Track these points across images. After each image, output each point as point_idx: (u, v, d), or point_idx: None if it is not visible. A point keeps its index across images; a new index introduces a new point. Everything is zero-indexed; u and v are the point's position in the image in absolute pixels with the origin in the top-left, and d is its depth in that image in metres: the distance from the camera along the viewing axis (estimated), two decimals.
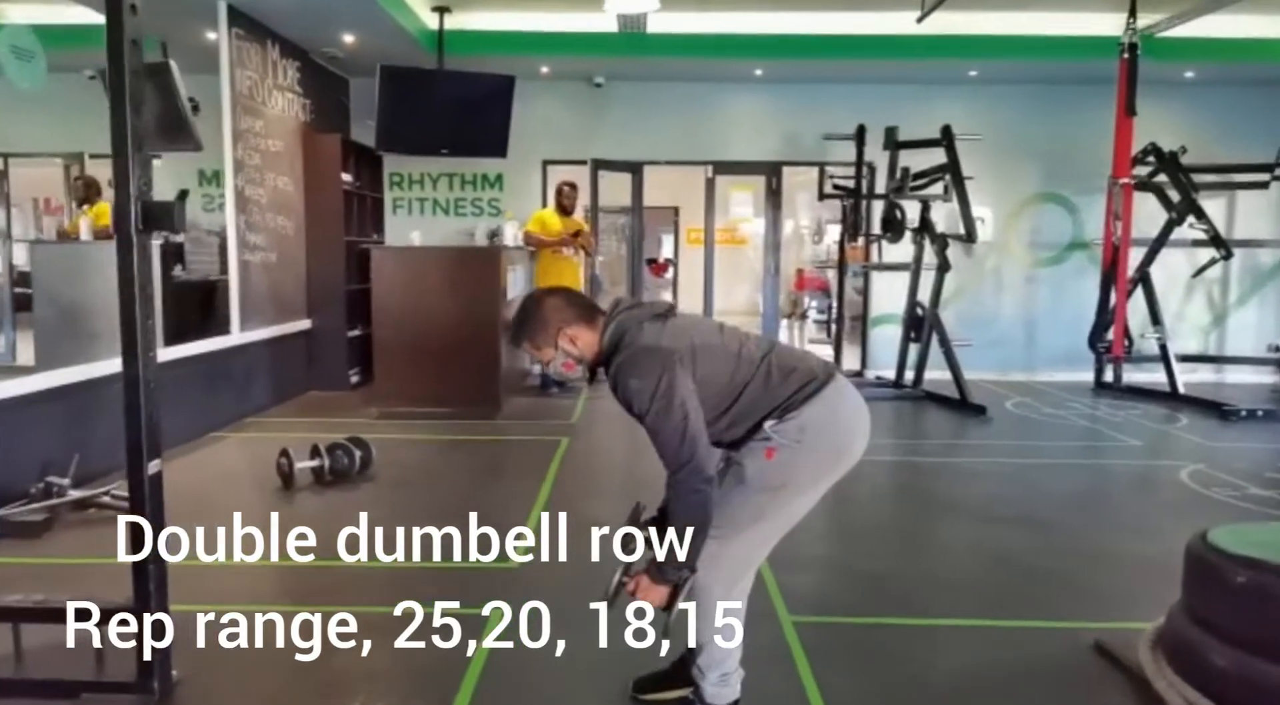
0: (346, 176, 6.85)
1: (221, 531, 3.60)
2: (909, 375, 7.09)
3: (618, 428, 5.79)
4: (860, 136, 6.72)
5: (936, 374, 6.82)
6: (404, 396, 5.99)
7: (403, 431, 5.49)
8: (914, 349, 7.04)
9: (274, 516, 3.86)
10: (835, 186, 7.15)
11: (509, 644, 2.59)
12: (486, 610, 2.80)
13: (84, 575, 3.10)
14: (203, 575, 3.14)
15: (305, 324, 6.69)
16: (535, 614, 2.78)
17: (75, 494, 3.67)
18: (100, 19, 5.76)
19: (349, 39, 6.38)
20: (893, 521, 3.97)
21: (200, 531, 3.59)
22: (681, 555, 1.93)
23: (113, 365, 4.60)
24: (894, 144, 6.99)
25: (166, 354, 5.07)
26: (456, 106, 6.70)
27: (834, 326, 6.92)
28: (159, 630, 2.23)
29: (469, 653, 2.52)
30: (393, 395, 6.04)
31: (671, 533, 1.92)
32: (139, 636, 2.22)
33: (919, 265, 7.00)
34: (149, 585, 2.20)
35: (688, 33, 6.81)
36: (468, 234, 7.65)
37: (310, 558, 3.29)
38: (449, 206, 7.88)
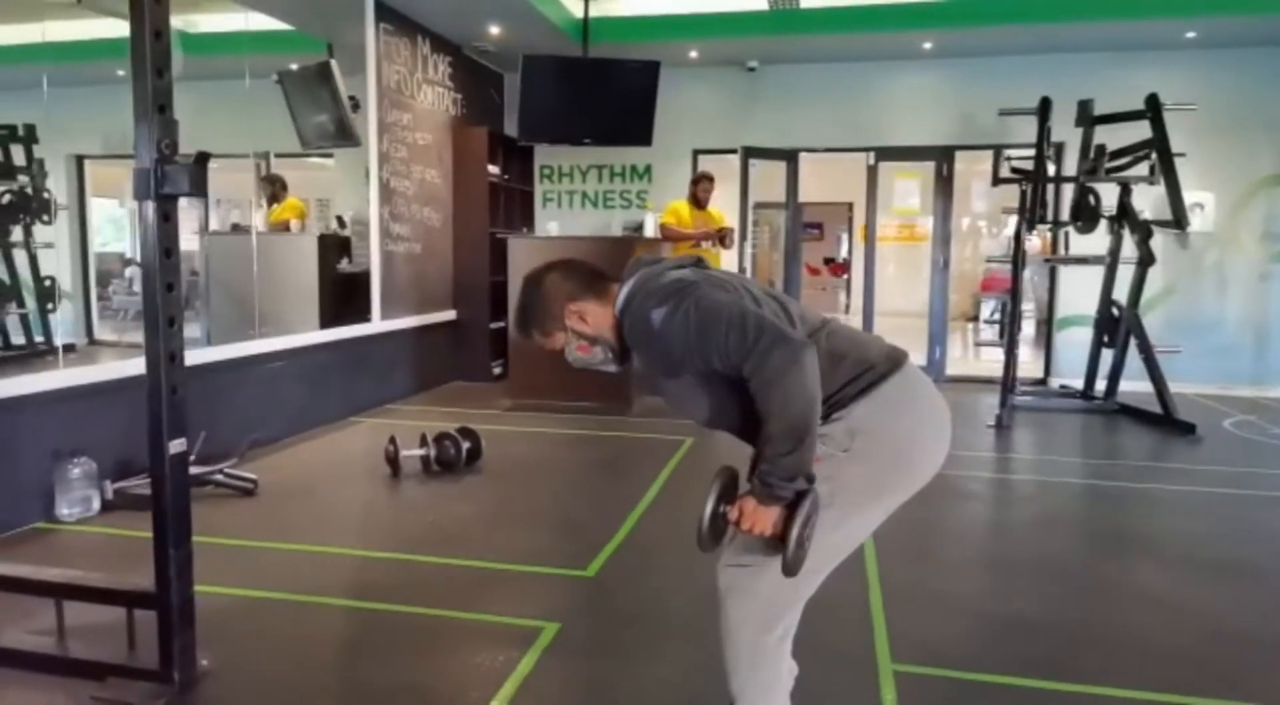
0: (493, 169, 6.87)
1: (311, 517, 3.59)
2: (1100, 385, 6.16)
3: None
4: (1043, 111, 5.89)
5: (1135, 385, 5.87)
6: (536, 389, 5.90)
7: (528, 424, 5.37)
8: (1108, 355, 6.11)
9: (369, 505, 3.82)
10: (1013, 170, 6.33)
11: (553, 663, 2.30)
12: (543, 622, 2.53)
13: None
14: (278, 560, 3.09)
15: (450, 315, 6.76)
16: (592, 632, 2.48)
17: (194, 470, 3.76)
18: (280, 25, 5.97)
19: (495, 31, 6.37)
20: (1057, 556, 3.30)
21: (292, 515, 3.59)
22: (787, 460, 1.43)
23: (243, 347, 4.88)
24: (1088, 119, 6.08)
25: (311, 338, 5.23)
26: (599, 94, 6.53)
27: (1009, 328, 6.11)
28: (181, 618, 2.13)
29: (510, 668, 2.25)
30: (526, 388, 5.96)
31: (771, 431, 1.44)
32: (161, 624, 2.12)
33: (1115, 259, 6.06)
34: (169, 571, 2.10)
35: (846, 5, 6.28)
36: (623, 227, 7.49)
37: (387, 550, 3.18)
38: (597, 199, 7.75)
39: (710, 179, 6.65)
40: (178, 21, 7.35)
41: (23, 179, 7.60)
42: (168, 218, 2.03)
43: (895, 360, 1.61)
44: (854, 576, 2.94)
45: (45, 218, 7.79)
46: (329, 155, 7.41)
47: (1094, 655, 2.43)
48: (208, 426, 4.13)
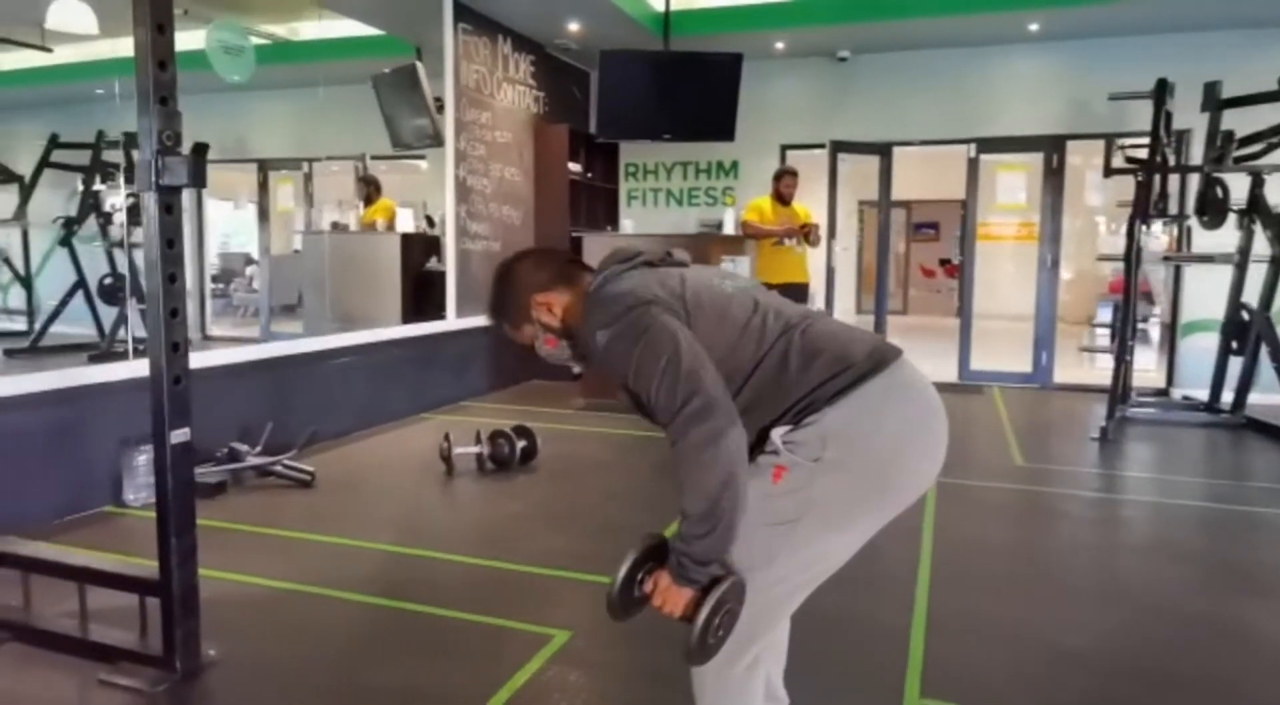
0: (575, 167, 6.85)
1: (358, 511, 3.62)
2: (1228, 397, 5.57)
3: None
4: (1160, 94, 5.36)
5: (1267, 397, 5.28)
6: (609, 389, 5.83)
7: (595, 424, 5.29)
8: (1237, 364, 5.52)
9: (415, 502, 3.82)
10: (1127, 159, 5.80)
11: (553, 673, 2.19)
12: (554, 630, 2.43)
13: (227, 540, 3.20)
14: (315, 552, 3.11)
15: None
16: (600, 644, 2.36)
17: (252, 460, 3.87)
18: (373, 30, 6.07)
19: (575, 28, 6.34)
20: (1146, 587, 2.94)
21: (340, 509, 3.63)
22: (700, 544, 1.32)
23: (322, 341, 5.02)
24: (1215, 103, 5.50)
25: (384, 334, 5.33)
26: (679, 89, 6.40)
27: (1120, 332, 5.60)
28: (184, 607, 2.14)
29: (506, 676, 2.17)
30: (598, 387, 5.90)
31: (685, 508, 1.33)
32: (164, 613, 2.14)
33: (1246, 257, 5.47)
34: (171, 561, 2.11)
35: None
36: (699, 224, 7.34)
37: (420, 548, 3.15)
38: (682, 197, 7.62)
39: (794, 174, 6.40)
40: (281, 30, 7.61)
41: None
42: (170, 209, 2.04)
43: (880, 359, 1.42)
44: (896, 598, 2.71)
45: None
46: (422, 156, 7.60)
47: (1176, 700, 2.13)
48: (282, 418, 4.25)
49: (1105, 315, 8.34)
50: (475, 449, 4.12)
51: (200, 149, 2.02)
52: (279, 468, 3.88)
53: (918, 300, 14.26)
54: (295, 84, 8.36)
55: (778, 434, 1.40)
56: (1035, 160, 6.89)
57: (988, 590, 2.84)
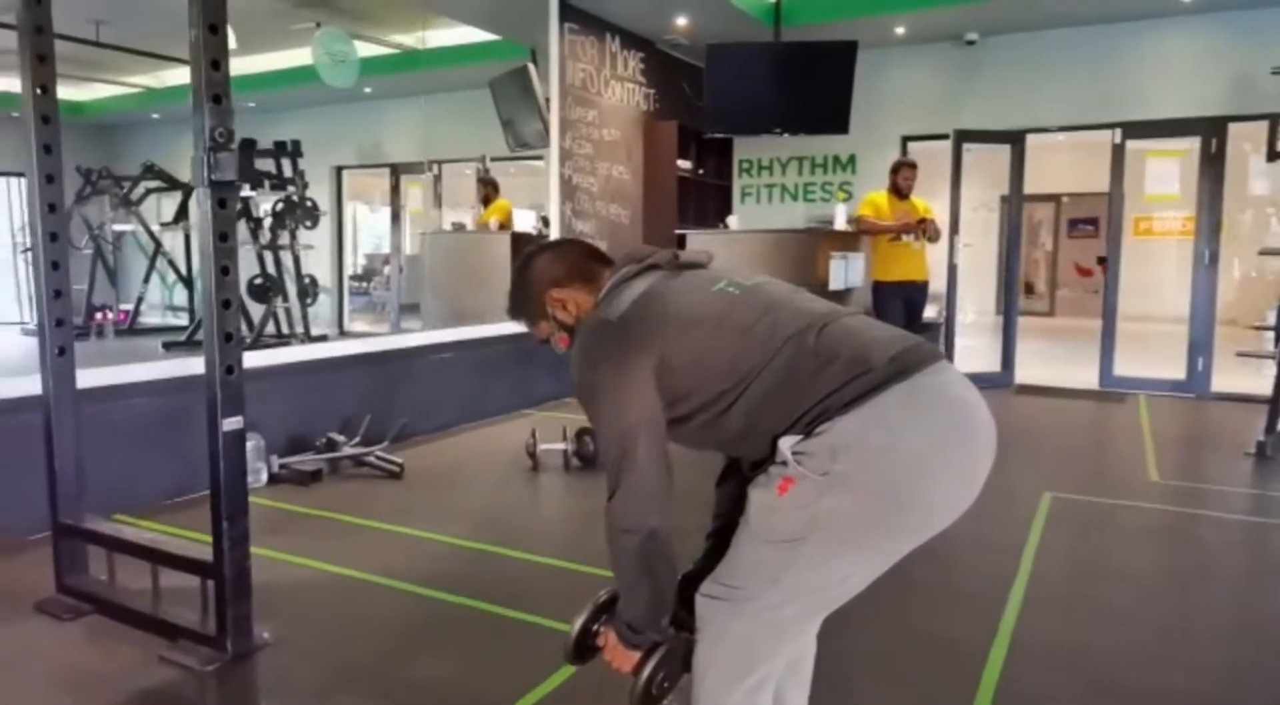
0: (684, 164, 6.76)
1: (438, 503, 3.67)
2: None
3: None
4: None
5: None
6: None
7: None
8: None
9: (496, 496, 3.84)
10: None
11: (586, 677, 2.12)
12: None
13: (311, 526, 3.31)
14: (388, 542, 3.17)
15: None
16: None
17: (347, 451, 4.01)
18: (489, 36, 6.21)
19: (683, 22, 6.25)
20: (1274, 622, 2.58)
21: (421, 501, 3.69)
22: (630, 614, 1.38)
23: (425, 337, 5.15)
24: None
25: (485, 331, 5.43)
26: (789, 81, 6.19)
27: None
28: (235, 591, 2.21)
29: (543, 676, 2.11)
30: None
31: (616, 578, 1.38)
32: (216, 595, 2.22)
33: None
34: (223, 545, 2.18)
35: None
36: (814, 221, 7.09)
37: (489, 543, 3.15)
38: (797, 192, 7.39)
39: (912, 166, 6.07)
40: (410, 39, 7.89)
41: (291, 189, 8.61)
42: (223, 204, 2.11)
43: (906, 363, 1.26)
44: (981, 616, 2.47)
45: (309, 223, 8.79)
46: (539, 157, 7.74)
47: None
48: (385, 411, 4.40)
49: (1273, 317, 7.46)
50: (561, 446, 4.11)
51: (247, 145, 2.07)
52: (371, 459, 4.01)
53: (1067, 301, 13.28)
54: (425, 90, 8.73)
55: (786, 444, 1.26)
56: (1190, 145, 6.23)
57: (1086, 618, 2.54)
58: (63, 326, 2.52)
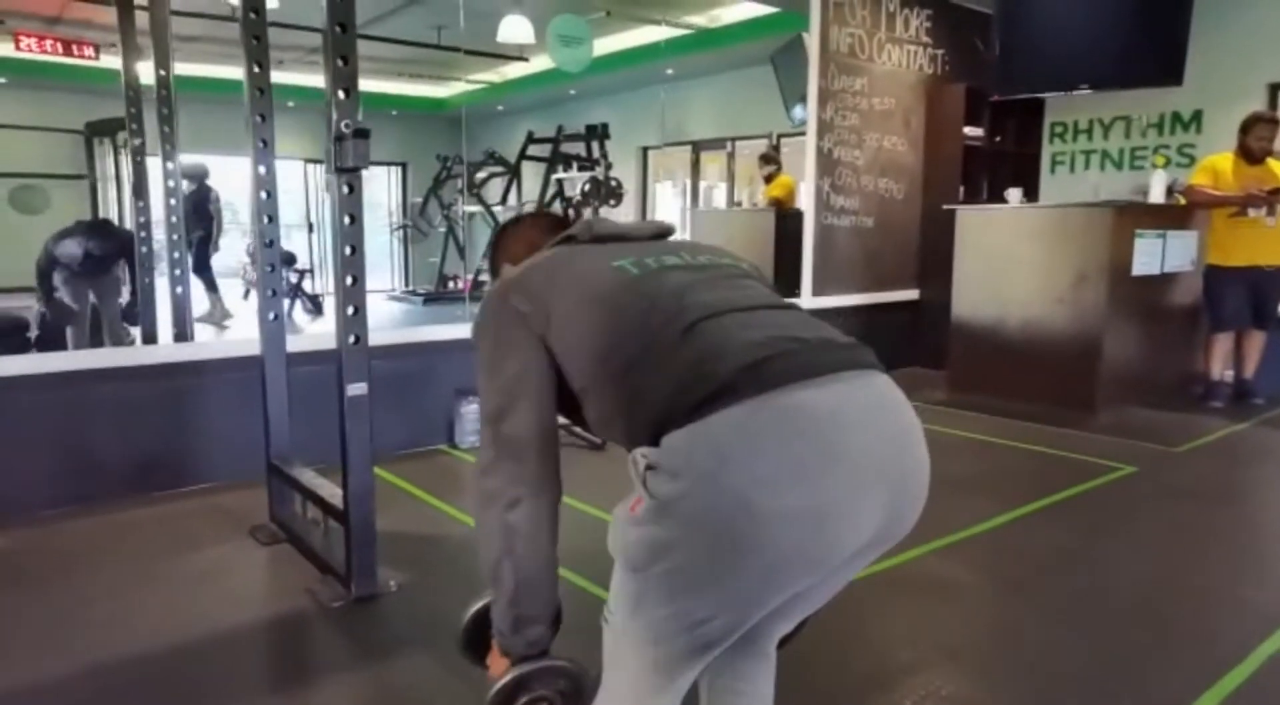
0: (974, 131, 6.04)
1: (610, 483, 3.70)
2: None
3: (1247, 480, 3.86)
4: None
5: None
6: (978, 382, 5.13)
7: (958, 424, 4.64)
8: None
9: None
10: None
11: None
12: None
13: None
14: (565, 517, 3.26)
15: (911, 294, 6.22)
16: None
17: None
18: (772, 9, 6.13)
19: None
20: None
21: (599, 477, 3.75)
22: (495, 610, 1.29)
23: None
24: None
25: None
26: (1100, 25, 5.22)
27: None
28: (360, 538, 2.44)
29: None
30: (967, 379, 5.22)
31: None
32: (345, 541, 2.46)
33: None
34: (349, 497, 2.42)
35: None
36: (1138, 193, 5.96)
37: None
38: (1121, 159, 6.25)
39: (1273, 122, 4.84)
40: (702, 19, 8.04)
41: (597, 169, 9.24)
42: (352, 188, 2.31)
43: (765, 374, 1.02)
44: (1195, 669, 1.94)
45: (613, 201, 9.38)
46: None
47: None
48: None
49: None
50: None
51: (361, 133, 2.24)
52: (578, 429, 4.16)
53: None
54: (719, 69, 8.80)
55: (638, 452, 1.09)
56: None
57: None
58: (275, 297, 2.94)
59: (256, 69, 2.80)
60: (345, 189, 2.29)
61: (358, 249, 2.34)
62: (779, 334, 1.09)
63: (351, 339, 2.35)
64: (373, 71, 9.72)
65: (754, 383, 1.01)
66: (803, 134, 5.67)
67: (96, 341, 5.44)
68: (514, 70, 9.58)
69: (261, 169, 2.85)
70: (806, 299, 5.58)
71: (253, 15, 2.78)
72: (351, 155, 2.24)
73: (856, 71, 5.62)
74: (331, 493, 2.59)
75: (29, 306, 5.79)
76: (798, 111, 6.04)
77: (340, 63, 2.24)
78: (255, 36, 2.80)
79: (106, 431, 3.33)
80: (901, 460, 1.08)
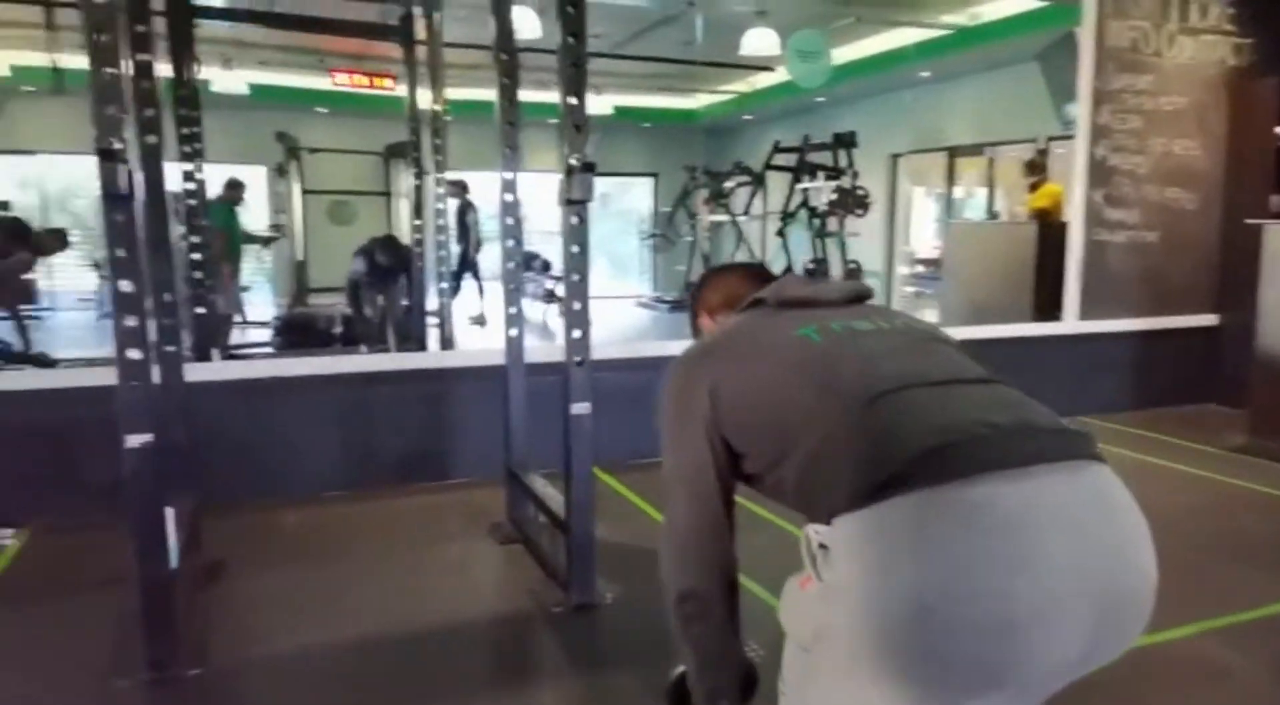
0: None
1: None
2: None
3: None
4: None
5: None
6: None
7: (1251, 476, 3.94)
8: None
9: None
10: None
11: None
12: None
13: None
14: (783, 541, 3.22)
15: (1207, 320, 5.43)
16: None
17: None
18: (1037, 3, 5.81)
19: None
20: None
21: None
22: (689, 676, 1.31)
23: None
24: None
25: (981, 332, 5.01)
26: None
27: None
28: (579, 551, 2.57)
29: None
30: (1274, 424, 4.47)
31: None
32: (566, 552, 2.60)
33: None
34: (571, 511, 2.55)
35: None
36: None
37: None
38: None
39: None
40: (961, 18, 7.68)
41: (843, 179, 9.07)
42: (581, 220, 2.43)
43: (949, 461, 0.94)
44: None
45: (859, 211, 9.15)
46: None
47: None
48: None
49: None
50: None
51: (588, 167, 2.35)
52: None
53: None
54: (978, 69, 8.25)
55: (811, 529, 1.05)
56: None
57: None
58: (517, 314, 3.17)
59: (506, 82, 3.03)
60: (574, 220, 2.42)
61: (584, 276, 2.46)
62: (971, 415, 1.00)
63: (577, 360, 2.48)
64: (627, 86, 10.17)
65: (933, 471, 0.94)
66: (1073, 137, 5.17)
67: (382, 342, 6.19)
68: (762, 79, 9.61)
69: (508, 175, 3.08)
70: (1070, 322, 5.08)
71: (502, 37, 3.03)
72: (578, 188, 2.36)
73: (1140, 68, 5.02)
74: (557, 503, 2.74)
75: (335, 304, 6.72)
76: (1069, 110, 5.52)
77: (573, 99, 2.37)
78: (505, 52, 3.04)
79: (380, 427, 3.77)
80: (1114, 572, 0.94)
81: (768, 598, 2.15)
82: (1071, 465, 0.97)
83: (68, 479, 3.16)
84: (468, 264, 7.85)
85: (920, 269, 10.71)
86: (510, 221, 3.13)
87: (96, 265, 7.45)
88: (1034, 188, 6.72)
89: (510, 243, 3.14)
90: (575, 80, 2.36)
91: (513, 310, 3.17)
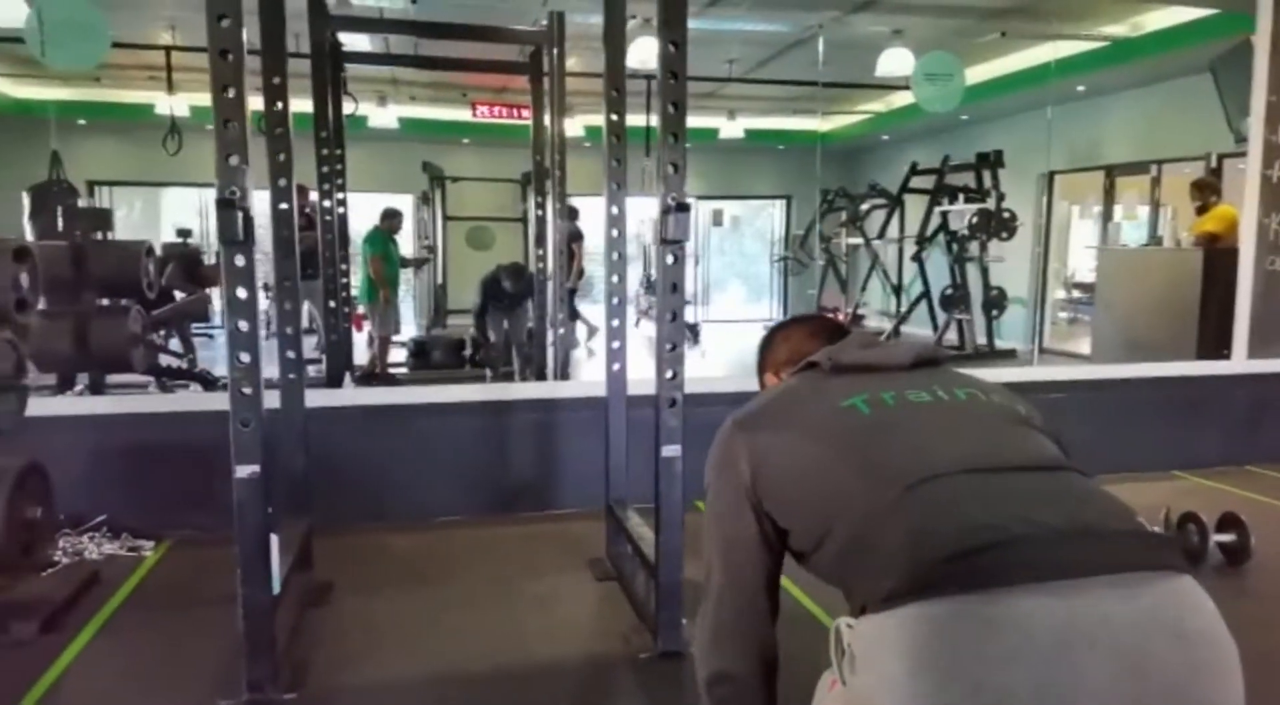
0: None
1: None
2: None
3: None
4: None
5: None
6: None
7: None
8: None
9: None
10: None
11: None
12: None
13: None
14: None
15: None
16: None
17: None
18: (1205, 12, 5.40)
19: None
20: None
21: None
22: None
23: (1038, 371, 4.35)
24: None
25: (1150, 370, 4.62)
26: None
27: None
28: (665, 595, 2.50)
29: None
30: None
31: None
32: (654, 595, 2.54)
33: None
34: (659, 555, 2.49)
35: None
36: None
37: None
38: None
39: None
40: (1122, 28, 7.21)
41: (988, 201, 8.62)
42: (677, 259, 2.39)
43: (982, 568, 0.83)
44: None
45: (1004, 234, 8.67)
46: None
47: None
48: None
49: None
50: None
51: (683, 207, 2.30)
52: None
53: None
54: (1141, 82, 7.64)
55: (842, 622, 0.96)
56: None
57: None
58: (620, 347, 3.15)
59: (614, 117, 3.03)
60: (670, 259, 2.38)
61: (678, 316, 2.41)
62: (1016, 511, 0.88)
63: (669, 401, 2.42)
64: (759, 110, 10.06)
65: (960, 578, 0.83)
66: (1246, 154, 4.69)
67: (507, 365, 6.35)
68: (900, 98, 9.27)
69: (614, 209, 3.08)
70: (1239, 361, 4.58)
71: (612, 72, 3.03)
72: (674, 228, 2.31)
73: None
74: (649, 543, 2.68)
75: (468, 327, 6.97)
76: (1246, 125, 5.01)
77: (672, 139, 2.33)
78: (615, 88, 3.04)
79: (491, 454, 3.84)
80: None
81: None
82: (1138, 578, 0.83)
83: (209, 495, 3.38)
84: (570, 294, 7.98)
85: (1078, 294, 9.99)
86: (615, 257, 3.12)
87: (266, 287, 8.06)
88: (1202, 210, 6.14)
89: (615, 278, 3.13)
90: (674, 121, 2.32)
91: (615, 345, 3.15)
